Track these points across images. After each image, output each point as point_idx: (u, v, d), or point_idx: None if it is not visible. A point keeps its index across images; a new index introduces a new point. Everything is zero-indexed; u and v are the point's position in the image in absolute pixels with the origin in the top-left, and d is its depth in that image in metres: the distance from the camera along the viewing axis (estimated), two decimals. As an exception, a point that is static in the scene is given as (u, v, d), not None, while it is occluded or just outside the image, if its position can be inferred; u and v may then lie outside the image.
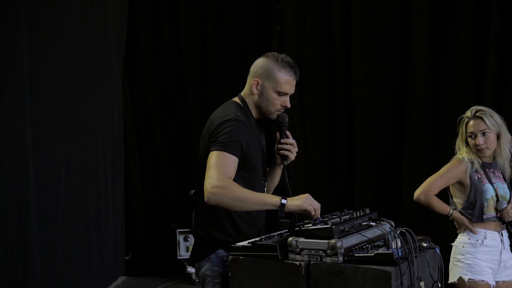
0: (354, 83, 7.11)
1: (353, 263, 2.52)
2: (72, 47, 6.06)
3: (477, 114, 3.94)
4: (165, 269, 7.56)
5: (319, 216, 2.85)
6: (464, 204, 3.97)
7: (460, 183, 3.97)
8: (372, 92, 7.09)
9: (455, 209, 4.02)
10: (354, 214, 2.90)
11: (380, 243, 2.68)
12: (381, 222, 2.88)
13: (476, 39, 6.52)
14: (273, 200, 2.82)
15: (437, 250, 2.89)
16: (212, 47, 7.98)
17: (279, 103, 3.11)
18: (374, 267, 2.46)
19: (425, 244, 2.80)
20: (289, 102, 3.14)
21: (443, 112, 6.71)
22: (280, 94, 3.09)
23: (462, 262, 3.91)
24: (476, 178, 3.91)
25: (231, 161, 2.88)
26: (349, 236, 2.68)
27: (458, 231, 4.07)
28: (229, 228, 3.05)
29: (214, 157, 2.87)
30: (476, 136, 3.92)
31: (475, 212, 3.91)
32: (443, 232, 6.46)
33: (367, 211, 3.02)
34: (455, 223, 4.11)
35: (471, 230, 3.93)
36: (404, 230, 2.65)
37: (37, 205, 5.23)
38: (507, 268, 3.96)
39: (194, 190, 7.02)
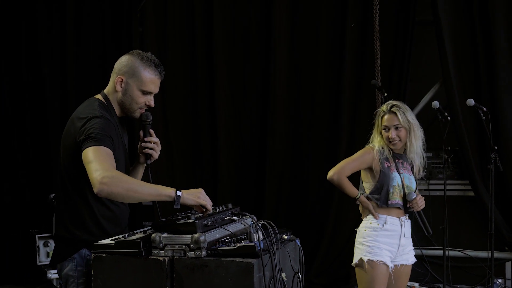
0: (217, 84, 7.23)
1: (217, 256, 2.56)
2: None
3: (392, 109, 4.21)
4: (24, 276, 7.33)
5: (210, 211, 2.85)
6: (372, 189, 4.21)
7: (370, 169, 4.21)
8: (235, 92, 7.26)
9: (363, 193, 4.24)
10: (217, 209, 2.94)
11: (243, 236, 2.73)
12: (244, 216, 2.94)
13: (334, 43, 6.90)
14: (167, 191, 2.75)
15: (298, 242, 2.98)
16: (72, 48, 7.78)
17: (142, 102, 3.09)
18: (237, 259, 2.51)
19: (286, 237, 2.87)
20: (153, 101, 3.12)
21: (303, 113, 7.02)
22: (145, 92, 3.07)
23: (363, 244, 4.15)
24: (386, 166, 4.17)
25: (109, 154, 2.81)
26: (212, 230, 2.72)
27: (362, 216, 4.30)
28: (92, 227, 2.99)
29: (92, 152, 2.77)
30: (389, 129, 4.18)
31: (381, 197, 4.15)
32: (305, 226, 6.77)
33: (230, 206, 3.07)
34: (359, 208, 4.34)
35: (373, 215, 4.16)
36: (265, 223, 2.71)
37: None
38: (406, 253, 4.22)
39: (53, 194, 6.84)
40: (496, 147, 5.79)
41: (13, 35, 7.88)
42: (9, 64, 7.89)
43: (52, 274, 6.69)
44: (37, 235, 6.85)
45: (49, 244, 6.82)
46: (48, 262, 6.82)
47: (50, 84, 7.80)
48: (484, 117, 5.72)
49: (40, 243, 6.83)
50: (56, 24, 7.83)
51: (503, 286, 6.35)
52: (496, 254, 6.07)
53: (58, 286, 6.83)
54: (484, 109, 5.75)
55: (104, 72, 7.55)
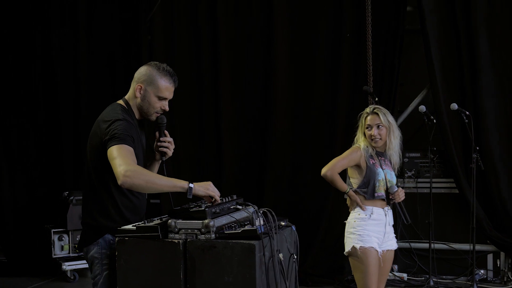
0: (222, 87, 7.57)
1: (224, 239, 2.93)
2: None
3: (374, 110, 4.62)
4: (39, 269, 7.57)
5: (219, 201, 3.22)
6: (360, 183, 4.59)
7: (357, 166, 4.60)
8: (238, 96, 7.57)
9: (351, 188, 4.63)
10: (224, 199, 3.33)
11: (246, 222, 3.13)
12: (247, 206, 3.33)
13: (331, 51, 7.24)
14: (182, 183, 3.10)
15: (293, 228, 3.37)
16: (83, 54, 8.08)
17: (158, 106, 3.47)
18: (241, 241, 2.88)
19: (283, 223, 3.26)
20: (167, 106, 3.51)
21: (302, 115, 7.33)
22: (160, 98, 3.46)
23: (354, 233, 4.52)
24: (371, 162, 4.56)
25: (131, 151, 3.17)
26: (220, 217, 3.11)
27: (349, 209, 4.68)
28: (115, 215, 3.34)
29: (116, 149, 3.13)
30: (372, 128, 4.59)
31: (368, 190, 4.54)
32: (302, 220, 7.09)
33: (235, 197, 3.46)
34: (347, 202, 4.72)
35: (361, 207, 4.55)
36: (266, 210, 3.10)
37: None
38: (390, 239, 4.62)
39: (67, 192, 7.19)
40: (478, 148, 6.13)
41: (28, 39, 8.17)
42: (23, 68, 8.17)
43: (67, 266, 7.03)
44: (52, 230, 7.15)
45: (63, 238, 7.13)
46: (63, 255, 7.17)
47: (63, 87, 8.09)
48: (467, 120, 6.07)
49: (55, 237, 7.11)
50: (69, 31, 8.13)
51: (485, 276, 6.65)
52: (478, 247, 6.43)
53: (72, 278, 7.16)
54: (467, 112, 6.10)
55: (113, 77, 7.91)
